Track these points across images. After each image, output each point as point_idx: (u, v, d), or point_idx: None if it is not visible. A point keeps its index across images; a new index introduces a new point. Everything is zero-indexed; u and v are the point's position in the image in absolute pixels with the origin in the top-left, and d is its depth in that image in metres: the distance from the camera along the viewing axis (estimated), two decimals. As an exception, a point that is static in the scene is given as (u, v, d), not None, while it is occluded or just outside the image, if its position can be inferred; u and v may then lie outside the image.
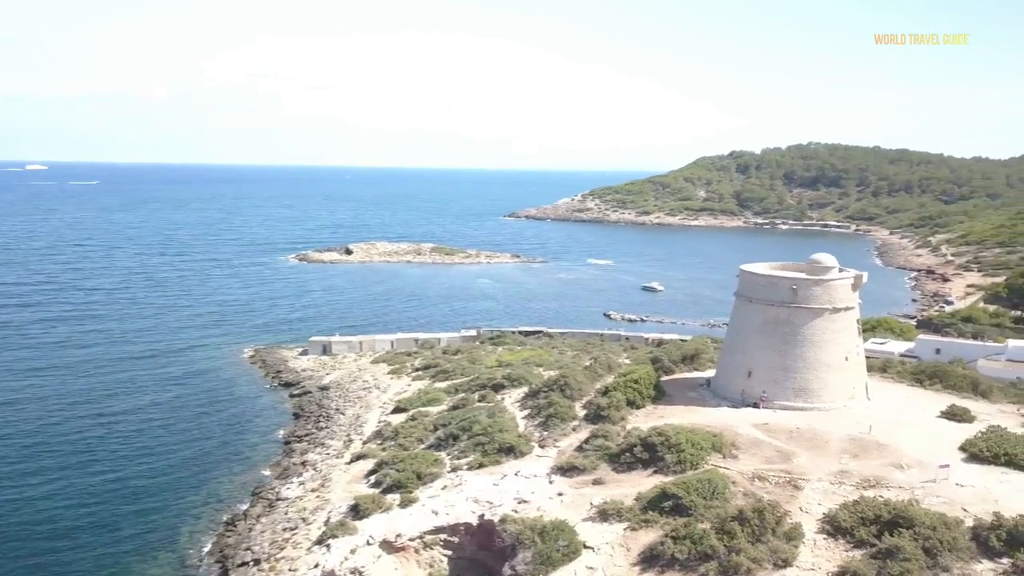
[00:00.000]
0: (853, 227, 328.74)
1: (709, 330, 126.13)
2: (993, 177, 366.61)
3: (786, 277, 52.90)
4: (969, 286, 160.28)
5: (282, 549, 47.60)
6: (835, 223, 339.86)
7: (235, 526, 54.19)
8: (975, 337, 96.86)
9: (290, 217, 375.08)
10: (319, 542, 45.81)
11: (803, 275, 53.45)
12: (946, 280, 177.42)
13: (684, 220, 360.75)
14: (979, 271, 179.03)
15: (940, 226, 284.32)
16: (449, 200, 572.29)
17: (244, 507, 57.68)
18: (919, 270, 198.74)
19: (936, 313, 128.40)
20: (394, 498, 49.14)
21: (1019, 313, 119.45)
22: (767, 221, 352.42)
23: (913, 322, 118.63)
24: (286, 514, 53.44)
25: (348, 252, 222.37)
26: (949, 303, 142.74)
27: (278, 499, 57.09)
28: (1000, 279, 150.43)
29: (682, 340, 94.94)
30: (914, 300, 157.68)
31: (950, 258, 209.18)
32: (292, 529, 50.39)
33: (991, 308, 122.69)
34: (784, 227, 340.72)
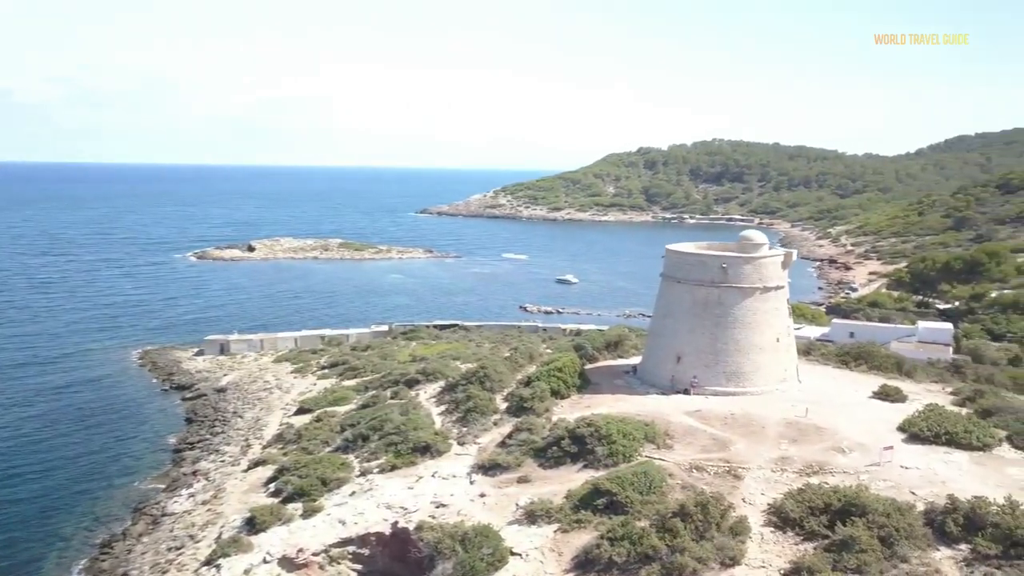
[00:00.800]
0: (757, 220, 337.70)
1: (625, 320, 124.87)
2: (883, 172, 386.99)
3: (716, 255, 50.28)
4: (871, 273, 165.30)
5: (165, 572, 41.49)
6: (740, 217, 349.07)
7: (112, 548, 47.55)
8: (881, 321, 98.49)
9: (190, 215, 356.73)
10: (208, 562, 39.99)
11: (733, 253, 51.01)
12: (848, 268, 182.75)
13: (594, 216, 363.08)
14: (878, 259, 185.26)
15: (838, 218, 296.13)
16: (367, 197, 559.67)
17: (124, 526, 50.96)
18: (822, 260, 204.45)
19: (843, 299, 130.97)
20: (296, 508, 43.81)
21: (921, 297, 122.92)
22: (675, 216, 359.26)
23: (822, 308, 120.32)
24: (172, 531, 47.19)
25: (250, 249, 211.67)
26: (854, 290, 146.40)
27: (163, 514, 50.70)
28: (898, 266, 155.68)
29: (600, 330, 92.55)
30: (820, 288, 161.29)
31: (850, 248, 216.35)
32: (178, 548, 44.26)
33: (895, 293, 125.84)
34: (691, 221, 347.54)
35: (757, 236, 53.18)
